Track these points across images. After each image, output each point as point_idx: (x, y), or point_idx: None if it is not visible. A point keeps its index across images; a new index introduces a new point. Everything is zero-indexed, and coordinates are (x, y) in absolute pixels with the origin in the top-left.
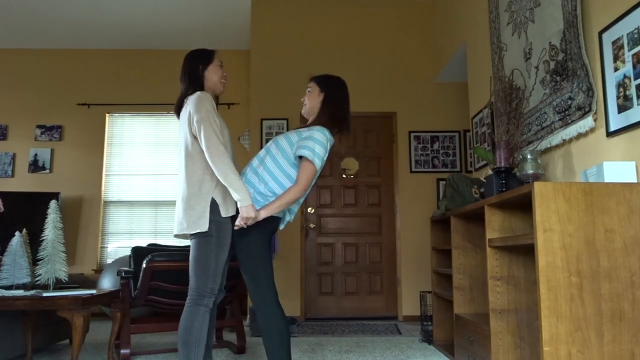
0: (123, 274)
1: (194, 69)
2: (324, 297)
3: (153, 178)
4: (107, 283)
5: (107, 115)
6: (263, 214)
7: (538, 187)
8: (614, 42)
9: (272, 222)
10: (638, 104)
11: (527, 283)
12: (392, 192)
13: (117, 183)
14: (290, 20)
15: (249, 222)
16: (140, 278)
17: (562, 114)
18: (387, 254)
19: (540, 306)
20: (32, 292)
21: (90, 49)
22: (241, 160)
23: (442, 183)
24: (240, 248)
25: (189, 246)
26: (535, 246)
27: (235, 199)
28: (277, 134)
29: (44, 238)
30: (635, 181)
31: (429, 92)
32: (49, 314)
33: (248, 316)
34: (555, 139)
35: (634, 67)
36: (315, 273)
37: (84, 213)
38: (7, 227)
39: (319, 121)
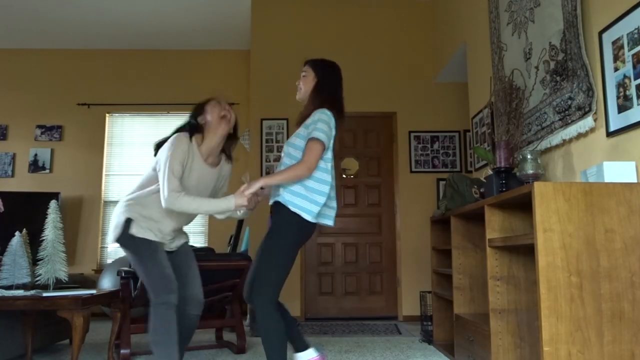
0: (123, 274)
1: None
2: (324, 297)
3: None
4: (107, 283)
5: (107, 115)
6: (262, 182)
7: (538, 187)
8: (614, 42)
9: (308, 227)
10: (638, 104)
11: (527, 283)
12: (392, 192)
13: (117, 183)
14: (290, 20)
15: (253, 203)
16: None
17: (562, 114)
18: (387, 254)
19: (540, 306)
20: (32, 292)
21: (90, 49)
22: (241, 160)
23: (442, 183)
24: (267, 240)
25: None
26: (535, 246)
27: (228, 211)
28: (277, 134)
29: (44, 238)
30: (635, 181)
31: (429, 92)
32: (49, 314)
33: (248, 316)
34: (555, 139)
35: (634, 67)
36: (315, 273)
37: (84, 213)
38: (7, 227)
39: (313, 106)
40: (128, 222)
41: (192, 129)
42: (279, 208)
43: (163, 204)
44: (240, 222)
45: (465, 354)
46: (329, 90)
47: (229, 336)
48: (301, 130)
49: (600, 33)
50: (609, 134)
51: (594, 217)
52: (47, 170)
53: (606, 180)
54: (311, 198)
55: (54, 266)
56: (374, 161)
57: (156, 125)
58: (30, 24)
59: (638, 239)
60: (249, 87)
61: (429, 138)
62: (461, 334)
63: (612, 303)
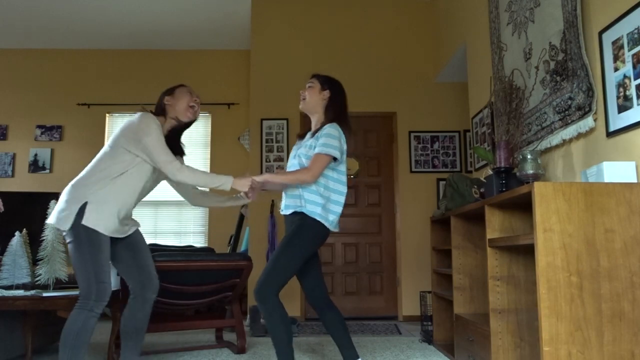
0: None
1: (159, 101)
2: None
3: None
4: None
5: (107, 115)
6: (267, 177)
7: (538, 187)
8: (614, 42)
9: (325, 234)
10: (638, 104)
11: (527, 283)
12: (392, 192)
13: None
14: (290, 21)
15: (254, 194)
16: None
17: (562, 114)
18: (387, 254)
19: (540, 306)
20: (32, 292)
21: (90, 49)
22: (241, 160)
23: (442, 183)
24: (287, 240)
25: (189, 246)
26: (535, 246)
27: (222, 189)
28: (277, 134)
29: (44, 238)
30: (635, 181)
31: (429, 92)
32: (49, 314)
33: (248, 316)
34: (555, 139)
35: (634, 67)
36: None
37: None
38: (7, 227)
39: (327, 120)
40: (83, 208)
41: (156, 110)
42: (297, 216)
43: (171, 174)
44: (240, 223)
45: (465, 354)
46: (339, 106)
47: (229, 336)
48: (313, 142)
49: (600, 33)
50: (609, 134)
51: (593, 217)
52: (47, 170)
53: (606, 180)
54: (330, 209)
55: (54, 266)
56: (374, 161)
57: None
58: (30, 24)
59: (638, 239)
60: (249, 87)
61: (429, 138)
62: (461, 334)
63: (612, 303)
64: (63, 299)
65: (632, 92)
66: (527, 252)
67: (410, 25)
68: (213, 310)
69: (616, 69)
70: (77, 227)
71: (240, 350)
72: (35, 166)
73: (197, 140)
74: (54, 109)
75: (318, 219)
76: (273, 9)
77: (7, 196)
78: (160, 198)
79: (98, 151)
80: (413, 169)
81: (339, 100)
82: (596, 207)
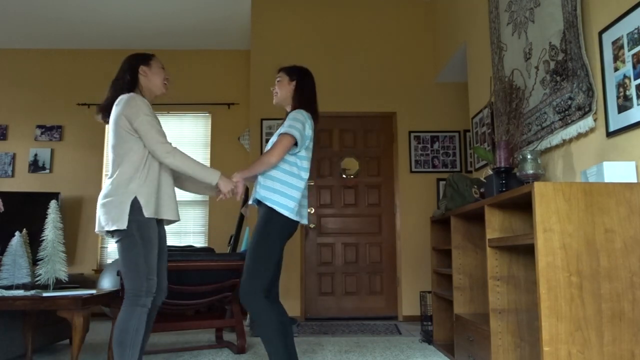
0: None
1: (132, 70)
2: (324, 297)
3: None
4: (107, 283)
5: None
6: (237, 177)
7: (538, 187)
8: (614, 42)
9: (291, 225)
10: (638, 104)
11: (527, 283)
12: (392, 192)
13: None
14: (290, 21)
15: (231, 194)
16: None
17: (562, 114)
18: (387, 254)
19: (540, 306)
20: (32, 292)
21: (90, 49)
22: (241, 160)
23: (442, 183)
24: (252, 237)
25: (189, 246)
26: (535, 246)
27: (208, 181)
28: None
29: (44, 238)
30: (635, 181)
31: (429, 92)
32: (49, 314)
33: (248, 316)
34: (555, 139)
35: (634, 67)
36: (315, 273)
37: (84, 213)
38: (7, 227)
39: (292, 107)
40: (135, 203)
41: (132, 82)
42: (261, 206)
43: (160, 156)
44: (240, 222)
45: (465, 354)
46: (305, 93)
47: (229, 336)
48: (279, 130)
49: (600, 33)
50: (609, 134)
51: (593, 217)
52: (47, 170)
53: (606, 180)
54: (286, 193)
55: (54, 266)
56: (374, 161)
57: None
58: (30, 24)
59: (638, 239)
60: (249, 87)
61: (429, 138)
62: (461, 334)
63: (612, 303)
64: (63, 299)
65: (632, 92)
66: (527, 252)
67: (410, 25)
68: (213, 310)
69: (616, 69)
70: (131, 225)
71: (240, 350)
72: (35, 166)
73: (197, 140)
74: (54, 109)
75: (272, 205)
76: (273, 9)
77: (7, 196)
78: None
79: (98, 151)
80: (413, 169)
81: (305, 86)
82: (596, 207)
